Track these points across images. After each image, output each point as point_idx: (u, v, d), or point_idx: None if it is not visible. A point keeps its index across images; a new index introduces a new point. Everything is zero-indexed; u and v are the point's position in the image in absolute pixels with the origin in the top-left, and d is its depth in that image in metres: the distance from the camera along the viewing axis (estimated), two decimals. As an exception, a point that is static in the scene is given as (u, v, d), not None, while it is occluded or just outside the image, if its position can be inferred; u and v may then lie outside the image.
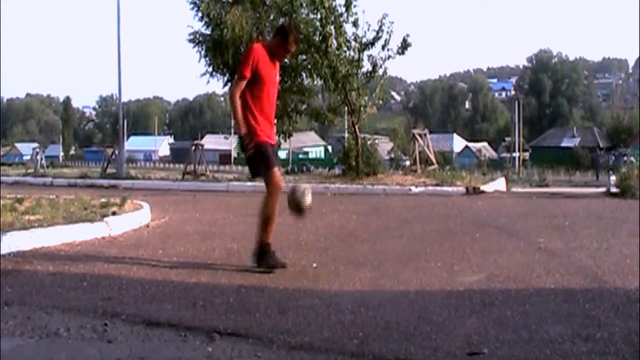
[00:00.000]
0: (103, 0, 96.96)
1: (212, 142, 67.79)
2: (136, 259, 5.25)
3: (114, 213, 6.99)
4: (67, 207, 7.31)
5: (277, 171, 4.83)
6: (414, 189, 11.64)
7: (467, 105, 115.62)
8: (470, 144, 76.79)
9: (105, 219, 6.59)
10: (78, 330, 3.30)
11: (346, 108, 15.10)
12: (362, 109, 14.41)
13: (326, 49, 13.76)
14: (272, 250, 4.76)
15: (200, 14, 14.84)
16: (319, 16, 13.90)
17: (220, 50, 14.66)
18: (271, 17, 14.89)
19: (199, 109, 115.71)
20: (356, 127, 14.57)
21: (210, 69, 15.40)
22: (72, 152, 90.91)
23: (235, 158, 73.22)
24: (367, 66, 14.38)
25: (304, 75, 15.05)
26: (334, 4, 13.98)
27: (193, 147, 18.93)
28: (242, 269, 4.86)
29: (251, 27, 14.38)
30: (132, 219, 7.07)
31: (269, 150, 4.82)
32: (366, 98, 14.54)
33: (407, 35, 14.31)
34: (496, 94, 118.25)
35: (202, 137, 62.88)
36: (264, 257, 4.73)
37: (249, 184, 13.80)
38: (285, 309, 3.76)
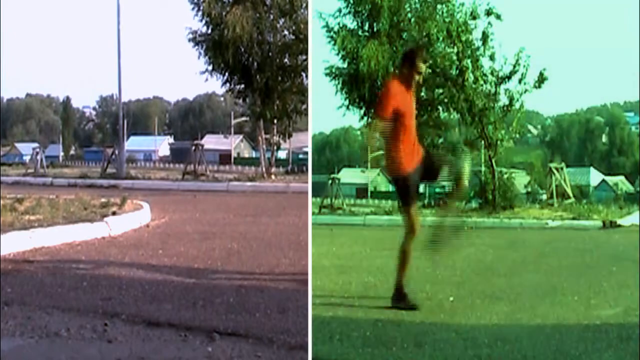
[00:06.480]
0: (103, 0, 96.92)
1: (212, 142, 67.44)
2: (136, 259, 5.24)
3: (114, 213, 6.98)
4: (67, 207, 7.29)
5: (415, 211, 4.84)
6: (551, 223, 11.61)
7: (603, 138, 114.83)
8: (607, 178, 75.74)
9: (105, 219, 6.58)
10: (78, 330, 3.29)
11: (483, 142, 15.12)
12: (498, 142, 14.41)
13: (463, 83, 13.78)
14: (404, 293, 4.71)
15: (200, 14, 14.85)
16: (455, 50, 13.95)
17: (220, 50, 14.66)
18: (271, 17, 14.89)
19: (199, 109, 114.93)
20: (492, 160, 14.57)
21: (210, 68, 15.42)
22: (72, 152, 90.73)
23: (235, 158, 73.27)
24: (503, 100, 14.42)
25: (441, 109, 15.10)
26: (470, 37, 14.00)
27: (193, 147, 18.87)
28: (242, 270, 4.86)
29: (251, 27, 14.38)
30: (132, 219, 7.05)
31: (412, 185, 4.88)
32: (503, 132, 14.54)
33: (544, 69, 14.36)
34: (633, 128, 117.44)
35: (202, 137, 62.63)
36: (399, 299, 4.70)
37: (248, 184, 13.81)
38: (422, 342, 3.74)
